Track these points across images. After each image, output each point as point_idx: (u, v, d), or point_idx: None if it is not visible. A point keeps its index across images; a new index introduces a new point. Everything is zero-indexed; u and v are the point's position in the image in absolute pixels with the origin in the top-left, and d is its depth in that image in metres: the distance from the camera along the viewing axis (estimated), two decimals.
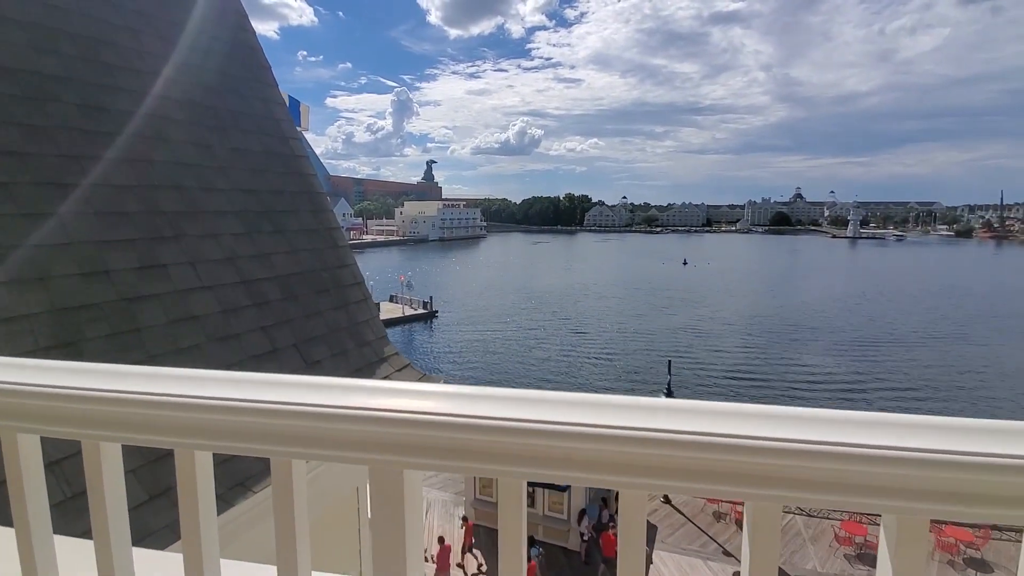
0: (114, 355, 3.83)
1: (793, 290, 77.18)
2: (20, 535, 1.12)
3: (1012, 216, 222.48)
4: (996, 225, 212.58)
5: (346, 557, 5.34)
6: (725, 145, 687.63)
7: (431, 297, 57.84)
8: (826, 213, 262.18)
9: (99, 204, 4.22)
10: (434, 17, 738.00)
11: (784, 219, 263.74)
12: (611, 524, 14.90)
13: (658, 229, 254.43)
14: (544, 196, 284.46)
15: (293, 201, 6.06)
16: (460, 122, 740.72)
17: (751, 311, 59.75)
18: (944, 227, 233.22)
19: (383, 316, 47.74)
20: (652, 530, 16.59)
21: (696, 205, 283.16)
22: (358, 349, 5.86)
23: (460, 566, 14.88)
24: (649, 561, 14.86)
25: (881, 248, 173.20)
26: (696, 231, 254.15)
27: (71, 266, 3.86)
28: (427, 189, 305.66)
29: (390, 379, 2.72)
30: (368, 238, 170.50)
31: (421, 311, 56.00)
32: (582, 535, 15.27)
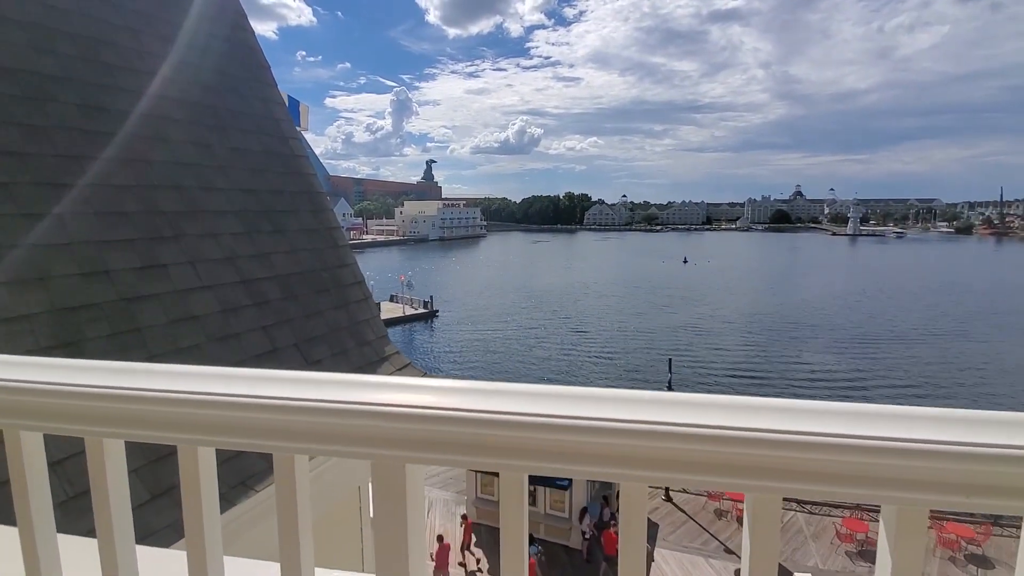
0: (114, 355, 3.84)
1: (793, 288, 77.15)
2: (23, 533, 1.12)
3: (1012, 213, 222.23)
4: (996, 222, 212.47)
5: (348, 557, 5.35)
6: (724, 143, 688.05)
7: (431, 297, 57.84)
8: (826, 211, 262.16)
9: (99, 204, 4.23)
10: (433, 17, 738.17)
11: (784, 217, 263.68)
12: (612, 522, 14.92)
13: (658, 227, 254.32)
14: (544, 195, 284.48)
15: (293, 201, 6.06)
16: (459, 121, 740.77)
17: (751, 309, 59.75)
18: (944, 224, 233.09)
19: (384, 316, 47.69)
20: (653, 528, 16.61)
21: (696, 203, 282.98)
22: (358, 348, 5.87)
23: (462, 564, 14.91)
24: (650, 559, 14.87)
25: (881, 245, 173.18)
26: (696, 229, 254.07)
27: (71, 266, 3.86)
28: (427, 189, 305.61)
29: None
30: (368, 238, 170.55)
31: (422, 311, 56.01)
32: (584, 533, 15.28)
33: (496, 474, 0.89)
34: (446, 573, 13.76)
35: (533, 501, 16.19)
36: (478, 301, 66.38)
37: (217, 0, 6.23)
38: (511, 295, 70.81)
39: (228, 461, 3.89)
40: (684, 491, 18.51)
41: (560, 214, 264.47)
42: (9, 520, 1.22)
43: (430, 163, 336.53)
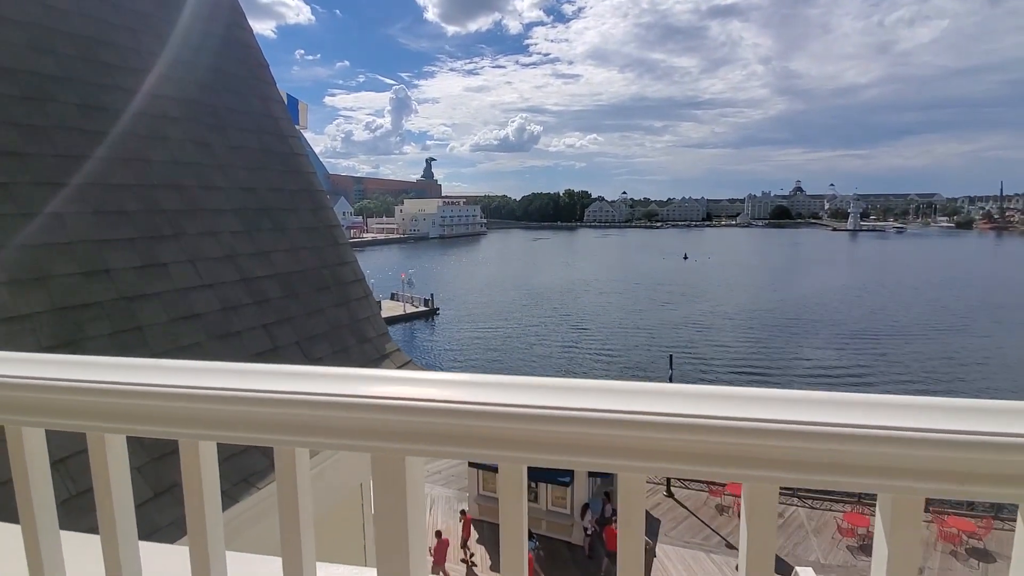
0: (115, 354, 3.84)
1: (794, 283, 77.10)
2: (26, 530, 1.13)
3: (1012, 207, 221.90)
4: (996, 216, 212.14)
5: (351, 554, 5.36)
6: (724, 139, 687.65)
7: (432, 294, 57.84)
8: (826, 206, 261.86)
9: (98, 203, 4.23)
10: (431, 14, 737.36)
11: (784, 212, 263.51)
12: (614, 518, 14.92)
13: (658, 224, 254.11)
14: (544, 192, 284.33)
15: (292, 199, 6.07)
16: (459, 119, 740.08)
17: (752, 305, 59.73)
18: (944, 219, 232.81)
19: (385, 314, 47.77)
20: (655, 524, 16.64)
21: (696, 199, 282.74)
22: (359, 346, 5.87)
23: (464, 561, 14.96)
24: (652, 554, 14.91)
25: (881, 240, 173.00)
26: (696, 225, 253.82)
27: (71, 265, 3.87)
28: (427, 187, 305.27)
29: None
30: (368, 236, 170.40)
31: (422, 308, 56.01)
32: (585, 529, 15.31)
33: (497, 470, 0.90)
34: (443, 568, 13.83)
35: (535, 498, 16.22)
36: (479, 299, 66.37)
37: None
38: (511, 292, 70.80)
39: (230, 459, 3.90)
40: (685, 487, 18.54)
41: (560, 211, 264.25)
42: (12, 518, 1.22)
43: (430, 161, 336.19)
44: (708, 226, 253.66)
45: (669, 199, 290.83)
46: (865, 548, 15.24)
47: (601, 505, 15.86)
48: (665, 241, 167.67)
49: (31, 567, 1.14)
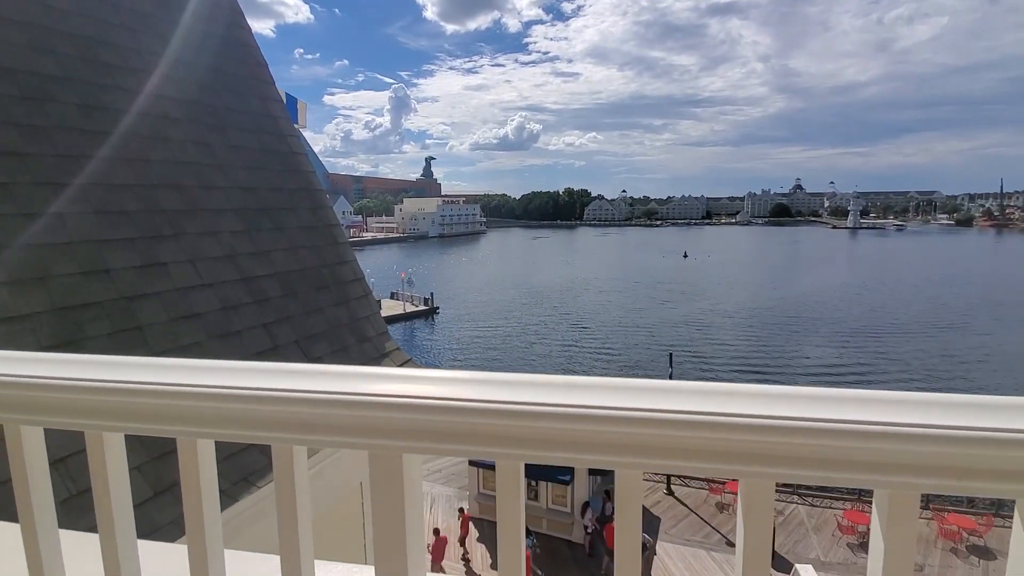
0: (115, 353, 3.84)
1: (794, 281, 77.11)
2: (25, 528, 1.13)
3: (1012, 204, 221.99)
4: (996, 213, 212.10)
5: (351, 553, 5.37)
6: (724, 137, 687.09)
7: (431, 293, 57.85)
8: (826, 204, 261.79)
9: (98, 203, 4.23)
10: (430, 12, 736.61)
11: (784, 210, 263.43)
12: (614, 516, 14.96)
13: (658, 222, 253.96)
14: (543, 191, 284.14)
15: (292, 198, 6.07)
16: (458, 118, 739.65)
17: (752, 303, 59.75)
18: (944, 216, 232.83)
19: (385, 313, 47.79)
20: (656, 522, 16.66)
21: (696, 198, 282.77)
22: (359, 345, 5.88)
23: (464, 559, 15.01)
24: (653, 552, 14.93)
25: (881, 238, 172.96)
26: (696, 224, 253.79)
27: (71, 265, 3.87)
28: (426, 186, 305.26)
29: None
30: (368, 235, 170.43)
31: (422, 308, 56.02)
32: (586, 528, 15.33)
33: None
34: (441, 566, 13.88)
35: (535, 496, 16.24)
36: (478, 297, 66.40)
37: None
38: (511, 291, 70.82)
39: (230, 458, 3.91)
40: (686, 485, 18.56)
41: (560, 210, 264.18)
42: (11, 516, 1.23)
43: (429, 160, 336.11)
44: (708, 224, 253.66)
45: (669, 197, 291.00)
46: (865, 545, 15.22)
47: (601, 503, 15.88)
48: (665, 239, 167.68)
49: (30, 566, 1.14)
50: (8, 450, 1.10)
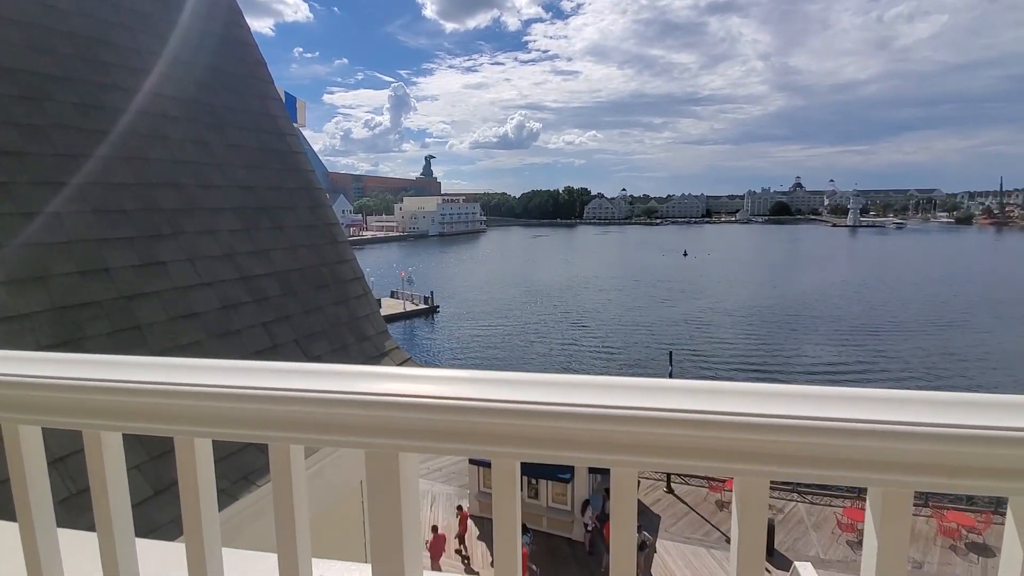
0: (115, 352, 3.85)
1: (793, 279, 77.11)
2: (23, 528, 1.14)
3: (1012, 202, 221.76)
4: (996, 211, 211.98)
5: (352, 552, 5.38)
6: (724, 135, 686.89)
7: (431, 292, 57.83)
8: (826, 202, 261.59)
9: (97, 202, 4.23)
10: (430, 11, 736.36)
11: (784, 209, 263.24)
12: None
13: (658, 221, 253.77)
14: (543, 190, 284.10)
15: (291, 197, 6.06)
16: (458, 116, 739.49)
17: (752, 301, 59.75)
18: (944, 214, 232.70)
19: (385, 312, 47.79)
20: (655, 519, 16.68)
21: (695, 196, 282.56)
22: (358, 344, 5.88)
23: (460, 554, 15.07)
24: (653, 550, 14.95)
25: (881, 236, 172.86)
26: (696, 222, 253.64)
27: (70, 264, 3.87)
28: (426, 184, 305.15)
29: None
30: (368, 234, 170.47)
31: (422, 306, 56.02)
32: (586, 525, 15.35)
33: None
34: (438, 564, 13.93)
35: (536, 494, 16.27)
36: (478, 296, 66.39)
37: None
38: (511, 290, 70.82)
39: (230, 457, 3.92)
40: (686, 483, 18.58)
41: (560, 208, 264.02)
42: (10, 516, 1.23)
43: (429, 159, 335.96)
44: (708, 223, 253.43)
45: (668, 196, 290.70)
46: None
47: (601, 501, 15.90)
48: (665, 238, 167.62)
49: (28, 565, 1.14)
50: (6, 450, 1.10)
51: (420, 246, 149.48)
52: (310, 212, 6.21)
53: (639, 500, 17.54)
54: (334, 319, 5.75)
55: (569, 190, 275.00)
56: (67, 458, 3.09)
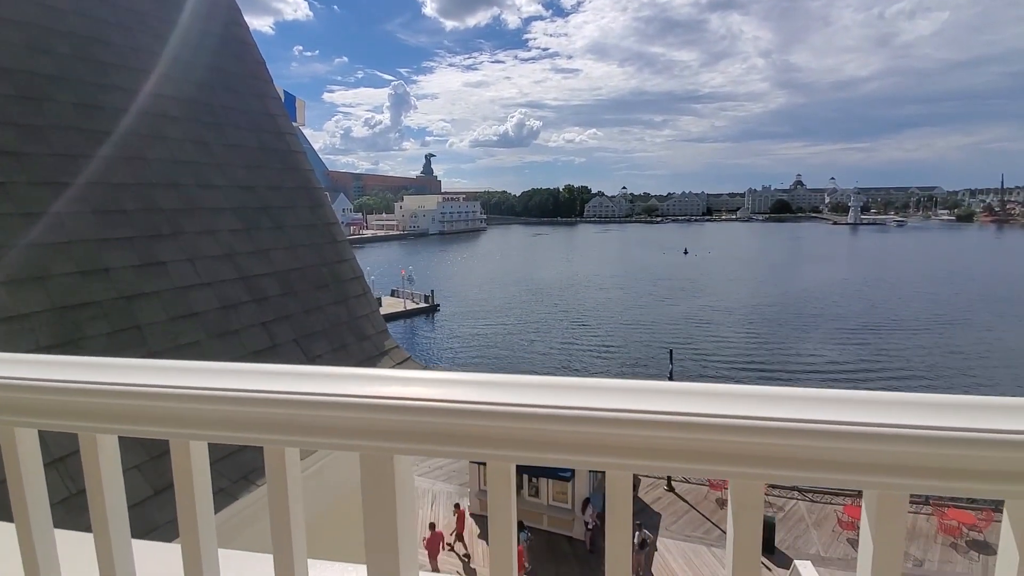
0: (114, 353, 3.86)
1: (794, 277, 77.03)
2: (21, 530, 1.14)
3: (1013, 200, 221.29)
4: (997, 209, 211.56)
5: (353, 551, 5.38)
6: (724, 133, 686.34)
7: (432, 291, 57.83)
8: (827, 200, 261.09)
9: (97, 202, 4.23)
10: (430, 9, 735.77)
11: (784, 206, 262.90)
12: None
13: (658, 219, 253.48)
14: (543, 188, 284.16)
15: (290, 197, 6.06)
16: (458, 115, 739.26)
17: (752, 299, 59.71)
18: (945, 212, 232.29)
19: (385, 311, 47.82)
20: (656, 518, 16.70)
21: (696, 194, 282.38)
22: (358, 343, 5.88)
23: (450, 546, 15.10)
24: (654, 548, 14.96)
25: (882, 234, 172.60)
26: (696, 220, 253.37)
27: (70, 265, 3.87)
28: (426, 183, 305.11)
29: None
30: (368, 233, 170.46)
31: (423, 305, 56.02)
32: (586, 524, 15.37)
33: None
34: (435, 561, 13.98)
35: (536, 492, 16.30)
36: (479, 295, 66.38)
37: None
38: (511, 288, 70.80)
39: (229, 456, 3.91)
40: (686, 481, 18.58)
41: (560, 207, 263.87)
42: (7, 517, 1.23)
43: (429, 157, 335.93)
44: (708, 220, 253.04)
45: (669, 194, 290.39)
46: None
47: (602, 500, 15.89)
48: (665, 236, 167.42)
49: (26, 566, 1.14)
50: (3, 452, 1.10)
51: (420, 245, 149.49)
52: (310, 211, 6.21)
53: (640, 498, 17.55)
54: (334, 318, 5.75)
55: (569, 188, 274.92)
56: (67, 458, 3.09)
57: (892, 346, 40.90)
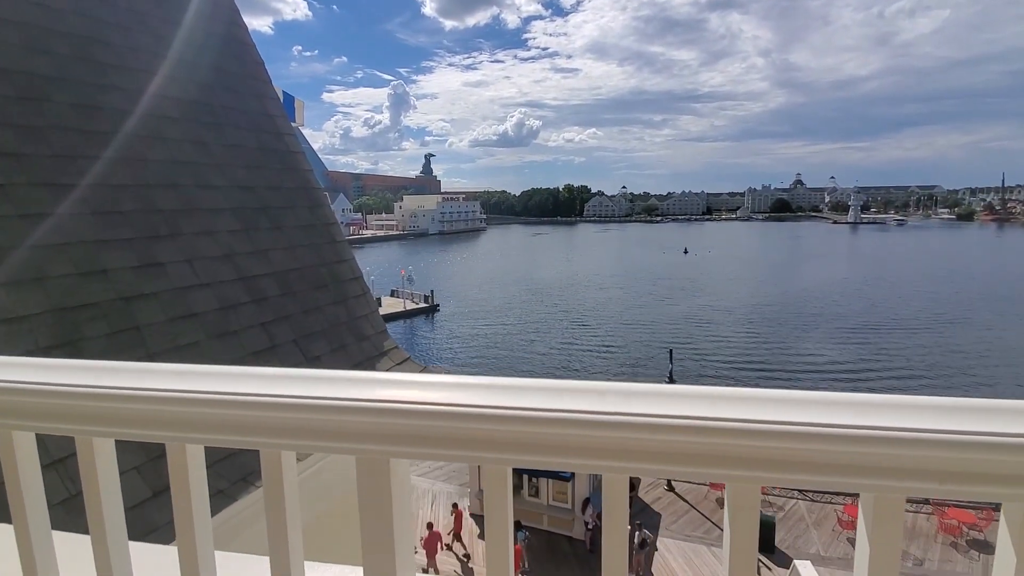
0: (114, 354, 3.86)
1: (794, 277, 77.04)
2: (19, 532, 1.14)
3: (1013, 198, 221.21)
4: (997, 208, 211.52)
5: (353, 551, 5.38)
6: (724, 132, 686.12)
7: (432, 291, 57.83)
8: (827, 199, 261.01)
9: (95, 203, 4.23)
10: (429, 9, 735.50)
11: (784, 206, 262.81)
12: None
13: (658, 218, 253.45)
14: (543, 187, 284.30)
15: (290, 197, 6.06)
16: (457, 115, 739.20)
17: (752, 299, 59.71)
18: (945, 211, 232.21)
19: (385, 311, 47.82)
20: (656, 517, 16.70)
21: (696, 193, 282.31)
22: (357, 344, 5.88)
23: (448, 546, 15.11)
24: (654, 548, 14.96)
25: (882, 233, 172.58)
26: (696, 219, 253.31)
27: (69, 266, 3.87)
28: (426, 183, 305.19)
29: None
30: (368, 233, 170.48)
31: (423, 305, 56.02)
32: (586, 524, 15.38)
33: None
34: (433, 560, 13.99)
35: (536, 492, 16.30)
36: (479, 295, 66.39)
37: None
38: (511, 288, 70.80)
39: (229, 457, 3.91)
40: (687, 480, 18.59)
41: (560, 206, 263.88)
42: (5, 519, 1.23)
43: (429, 157, 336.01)
44: (708, 220, 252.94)
45: (669, 193, 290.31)
46: None
47: (602, 500, 15.92)
48: (665, 235, 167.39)
49: (24, 567, 1.14)
50: (0, 456, 1.10)
51: (420, 244, 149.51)
52: (309, 212, 6.21)
53: (640, 498, 17.56)
54: (333, 319, 5.75)
55: (569, 188, 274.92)
56: (66, 459, 3.09)
57: (892, 345, 40.89)
